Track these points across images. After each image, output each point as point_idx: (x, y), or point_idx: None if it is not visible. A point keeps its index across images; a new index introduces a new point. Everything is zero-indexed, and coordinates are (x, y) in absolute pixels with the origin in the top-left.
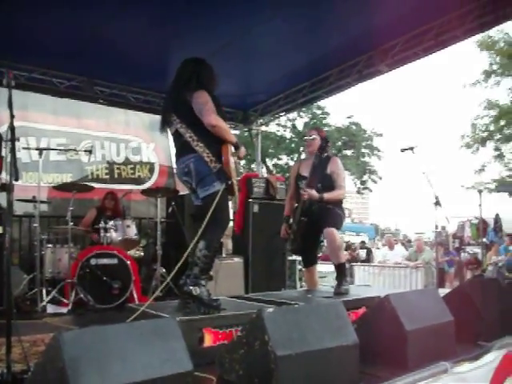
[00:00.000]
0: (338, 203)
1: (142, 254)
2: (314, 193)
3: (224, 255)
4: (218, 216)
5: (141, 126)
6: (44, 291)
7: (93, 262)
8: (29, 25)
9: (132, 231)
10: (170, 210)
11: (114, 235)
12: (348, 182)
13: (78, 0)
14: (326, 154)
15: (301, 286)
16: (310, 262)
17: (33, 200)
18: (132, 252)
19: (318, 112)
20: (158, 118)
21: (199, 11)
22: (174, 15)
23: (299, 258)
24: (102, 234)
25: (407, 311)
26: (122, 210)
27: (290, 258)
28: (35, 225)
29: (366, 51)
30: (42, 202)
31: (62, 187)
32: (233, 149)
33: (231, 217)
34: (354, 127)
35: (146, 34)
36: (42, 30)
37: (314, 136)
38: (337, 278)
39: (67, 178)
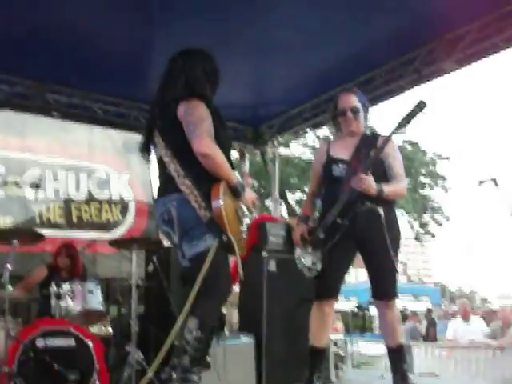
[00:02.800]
0: (392, 205)
1: (111, 330)
2: (372, 182)
3: (227, 333)
4: (212, 283)
5: (110, 149)
6: None
7: (40, 343)
8: None
9: (96, 299)
10: (151, 268)
11: (71, 305)
12: (402, 225)
13: None
14: (371, 131)
15: (337, 377)
16: (329, 291)
17: None
18: (96, 329)
19: None
20: (134, 137)
21: None
22: None
23: (334, 337)
24: (53, 304)
25: None
26: (83, 268)
27: None
28: None
29: (425, 42)
30: None
31: None
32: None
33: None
34: (409, 148)
35: (118, 20)
36: None
37: (360, 108)
38: (394, 366)
39: (5, 221)
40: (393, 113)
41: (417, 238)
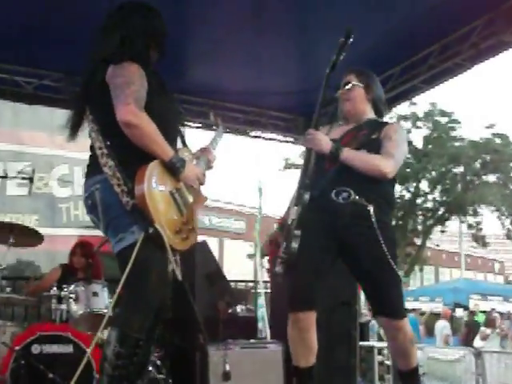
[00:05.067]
0: (384, 202)
1: None
2: (322, 137)
3: (253, 340)
4: (136, 287)
5: None
6: None
7: (35, 349)
8: None
9: (102, 301)
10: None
11: (74, 308)
12: (492, 222)
13: None
14: (380, 120)
15: None
16: (303, 301)
17: None
18: (106, 334)
19: (443, 120)
20: None
21: None
22: None
23: (380, 345)
24: (53, 307)
25: None
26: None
27: (363, 343)
28: None
29: (482, 13)
30: None
31: None
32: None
33: None
34: (498, 141)
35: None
36: None
37: (353, 83)
38: None
39: (31, 220)
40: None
41: (508, 236)
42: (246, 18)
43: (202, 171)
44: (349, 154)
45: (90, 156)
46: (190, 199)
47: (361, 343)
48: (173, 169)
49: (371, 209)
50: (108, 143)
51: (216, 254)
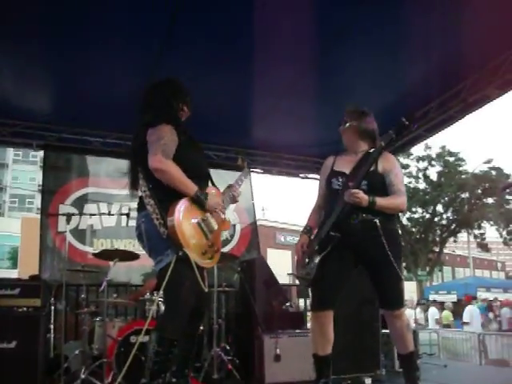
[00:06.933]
0: (390, 216)
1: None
2: (362, 195)
3: (298, 330)
4: (170, 298)
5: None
6: (83, 370)
7: (132, 339)
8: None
9: None
10: (236, 276)
11: (162, 308)
12: (492, 233)
13: None
14: (373, 149)
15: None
16: (323, 303)
17: (80, 269)
18: None
19: (451, 159)
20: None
21: None
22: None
23: None
24: (147, 307)
25: None
26: None
27: (385, 330)
28: (83, 296)
29: (469, 74)
30: (82, 270)
31: (102, 255)
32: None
33: None
34: (493, 173)
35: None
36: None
37: (348, 124)
38: (405, 373)
39: (117, 243)
40: None
41: (505, 243)
42: (290, 86)
43: (224, 202)
44: (380, 205)
45: (139, 197)
46: (215, 227)
47: (383, 331)
48: (198, 200)
49: (377, 220)
50: (150, 186)
51: (290, 263)
